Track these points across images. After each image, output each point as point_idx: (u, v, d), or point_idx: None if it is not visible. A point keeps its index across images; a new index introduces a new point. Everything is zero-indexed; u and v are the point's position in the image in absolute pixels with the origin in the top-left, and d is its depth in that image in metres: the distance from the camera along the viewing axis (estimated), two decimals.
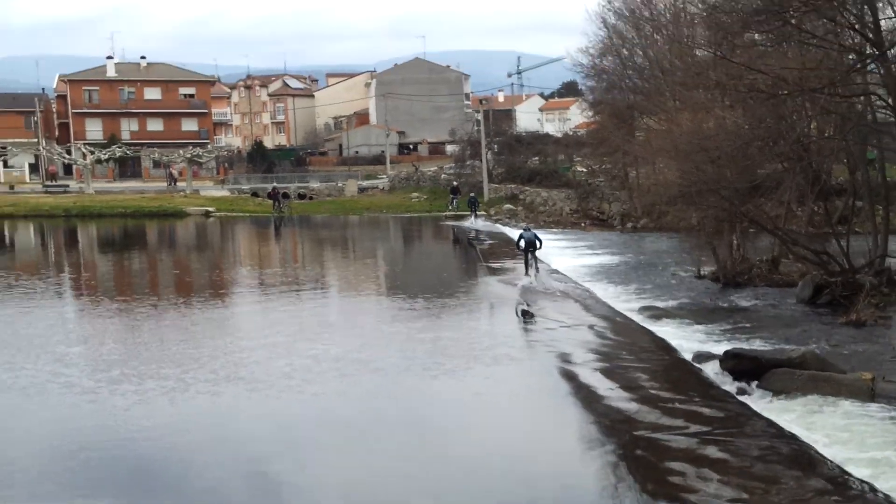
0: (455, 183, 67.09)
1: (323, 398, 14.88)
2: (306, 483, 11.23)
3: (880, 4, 20.74)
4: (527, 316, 22.21)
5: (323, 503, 10.72)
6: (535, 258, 29.86)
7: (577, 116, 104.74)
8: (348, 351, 18.10)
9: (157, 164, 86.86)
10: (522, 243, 29.44)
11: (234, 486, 11.10)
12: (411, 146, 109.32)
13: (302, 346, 18.60)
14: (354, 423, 13.57)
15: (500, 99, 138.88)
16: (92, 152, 77.27)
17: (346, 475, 11.43)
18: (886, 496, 10.23)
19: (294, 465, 11.71)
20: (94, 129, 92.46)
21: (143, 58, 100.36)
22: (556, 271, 31.49)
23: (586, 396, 14.85)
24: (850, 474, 10.89)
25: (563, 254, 38.04)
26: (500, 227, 51.22)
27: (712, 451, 11.79)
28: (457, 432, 13.48)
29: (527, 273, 29.21)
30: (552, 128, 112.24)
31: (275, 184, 70.72)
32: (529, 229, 31.15)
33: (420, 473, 11.61)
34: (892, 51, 20.61)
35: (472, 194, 60.32)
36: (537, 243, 29.40)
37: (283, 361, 17.17)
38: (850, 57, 20.16)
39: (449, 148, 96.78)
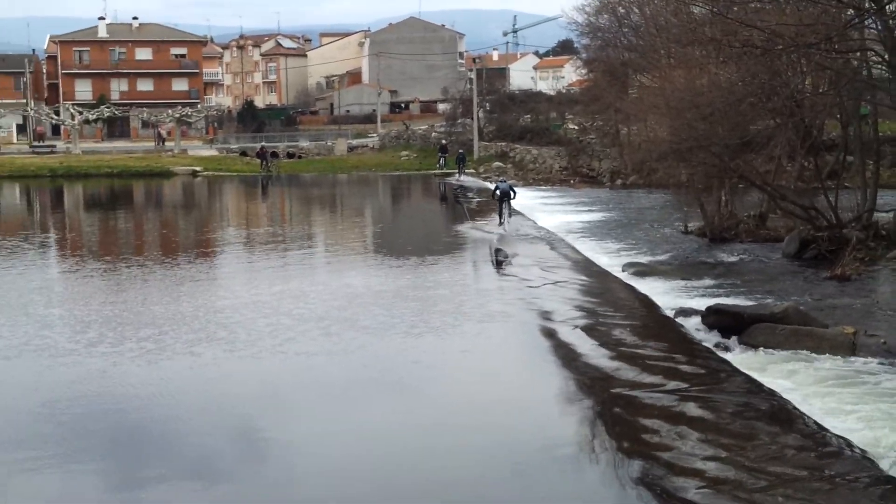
0: (444, 141, 66.70)
1: (307, 357, 14.61)
2: (289, 442, 10.97)
3: None
4: (500, 258, 23.47)
5: (305, 463, 10.45)
6: (510, 207, 31.76)
7: (571, 75, 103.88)
8: (333, 309, 17.83)
9: (145, 125, 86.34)
10: (498, 193, 31.67)
11: (217, 447, 10.81)
12: (403, 105, 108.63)
13: (287, 305, 18.32)
14: (338, 382, 13.33)
15: (495, 58, 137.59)
16: (80, 112, 76.65)
17: (329, 436, 11.19)
18: (863, 451, 10.03)
19: (277, 426, 11.47)
20: (84, 90, 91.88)
21: (134, 18, 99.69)
22: (544, 228, 31.22)
23: (566, 354, 14.60)
24: (827, 430, 10.68)
25: (551, 211, 37.76)
26: (485, 184, 51.07)
27: (690, 408, 11.56)
28: (439, 390, 13.28)
29: (500, 222, 31.15)
30: (546, 86, 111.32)
31: (263, 143, 70.16)
32: (505, 181, 33.76)
33: (402, 430, 11.40)
34: (891, 6, 20.25)
35: (460, 151, 60.07)
36: (511, 193, 31.50)
37: (266, 321, 16.88)
38: (849, 13, 19.75)
39: (441, 106, 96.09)
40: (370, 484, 9.72)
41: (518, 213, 33.64)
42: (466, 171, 57.35)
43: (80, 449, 10.69)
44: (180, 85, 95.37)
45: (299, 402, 12.68)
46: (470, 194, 44.02)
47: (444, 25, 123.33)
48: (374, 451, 10.63)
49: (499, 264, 23.10)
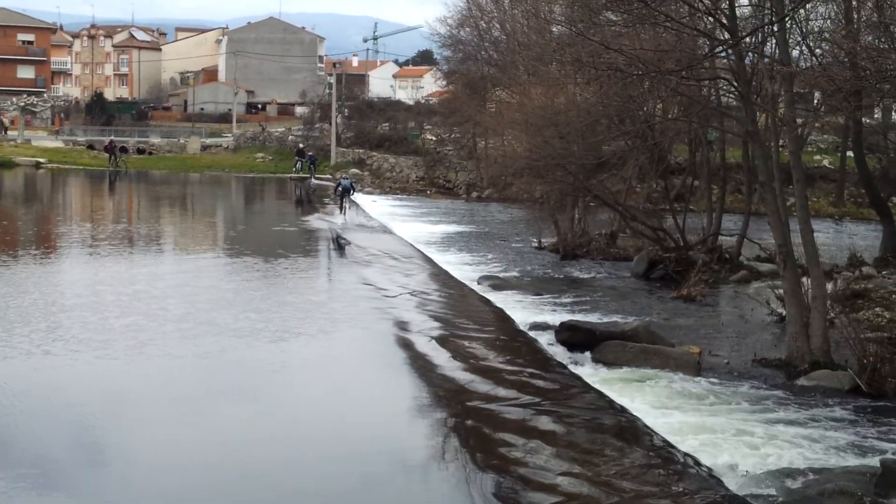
0: (301, 145, 66.04)
1: (150, 360, 14.02)
2: (131, 447, 10.47)
3: None
4: (340, 244, 27.01)
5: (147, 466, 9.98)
6: (351, 201, 37.30)
7: (430, 85, 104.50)
8: (186, 314, 17.23)
9: None
10: (340, 188, 36.77)
11: (57, 452, 10.20)
12: (260, 106, 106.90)
13: (130, 306, 17.61)
14: (183, 387, 12.87)
15: (355, 63, 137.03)
16: None
17: (172, 443, 10.74)
18: (709, 470, 10.28)
19: (120, 431, 10.94)
20: None
21: None
22: (400, 238, 31.18)
23: (422, 366, 14.49)
24: (675, 447, 10.90)
25: (407, 221, 37.77)
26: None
27: (543, 423, 11.62)
28: (288, 399, 12.91)
29: (341, 212, 36.00)
30: (405, 95, 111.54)
31: (112, 137, 67.93)
32: (348, 179, 39.35)
33: (250, 440, 11.01)
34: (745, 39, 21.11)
35: (310, 154, 59.81)
36: (352, 189, 37.48)
37: (120, 322, 16.17)
38: (702, 41, 20.43)
39: (298, 110, 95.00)
40: (213, 493, 9.38)
41: (375, 221, 33.90)
42: (319, 175, 57.14)
43: None
44: (26, 72, 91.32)
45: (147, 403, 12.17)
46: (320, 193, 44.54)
47: (304, 28, 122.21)
48: (221, 460, 10.27)
49: (339, 247, 26.53)
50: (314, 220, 34.85)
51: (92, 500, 9.12)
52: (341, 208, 36.10)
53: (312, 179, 55.30)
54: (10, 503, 8.83)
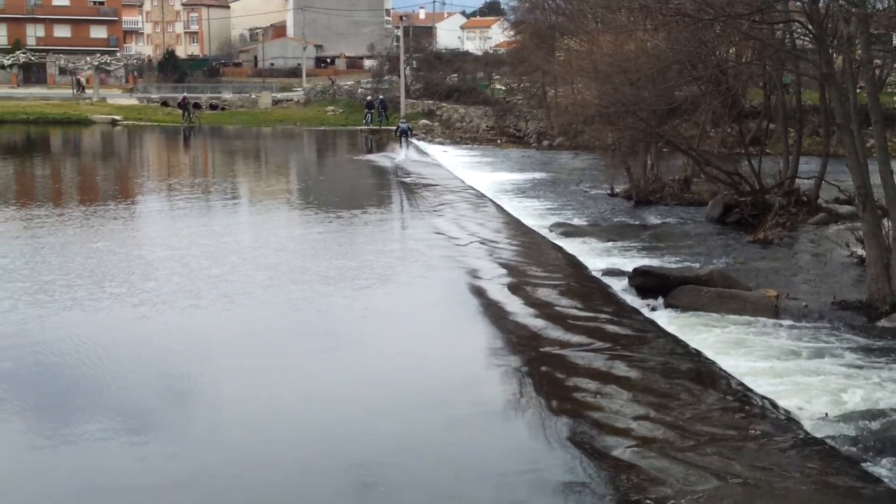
0: (370, 97, 66.07)
1: (235, 311, 14.35)
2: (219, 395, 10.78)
3: None
4: (405, 136, 43.63)
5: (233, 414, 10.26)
6: (409, 141, 45.24)
7: (498, 36, 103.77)
8: (277, 262, 17.58)
9: (63, 72, 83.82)
10: (398, 131, 45.71)
11: (149, 400, 10.54)
12: (329, 60, 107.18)
13: (204, 263, 17.98)
14: (268, 335, 13.15)
15: (422, 16, 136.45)
16: None
17: (260, 389, 11.01)
18: (787, 412, 10.19)
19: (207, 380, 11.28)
20: None
21: None
22: (471, 187, 31.19)
23: (495, 313, 14.56)
24: (752, 391, 10.82)
25: (478, 169, 37.73)
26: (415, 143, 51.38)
27: (617, 368, 11.61)
28: (368, 345, 13.10)
29: (402, 148, 43.69)
30: (473, 46, 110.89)
31: (185, 93, 68.77)
32: (405, 122, 48.16)
33: (333, 383, 11.26)
34: None
35: (381, 97, 58.64)
36: (409, 132, 46.30)
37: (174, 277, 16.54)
38: None
39: (367, 63, 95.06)
40: (302, 433, 9.61)
41: (446, 171, 33.93)
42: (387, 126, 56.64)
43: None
44: (99, 32, 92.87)
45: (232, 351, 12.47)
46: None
47: None
48: (305, 403, 10.50)
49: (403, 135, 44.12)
50: (381, 158, 41.79)
51: (187, 439, 9.43)
52: (400, 145, 44.14)
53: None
54: (107, 447, 9.15)
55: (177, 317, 13.84)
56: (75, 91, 74.61)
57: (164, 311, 14.03)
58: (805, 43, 24.10)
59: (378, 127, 58.68)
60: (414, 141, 48.39)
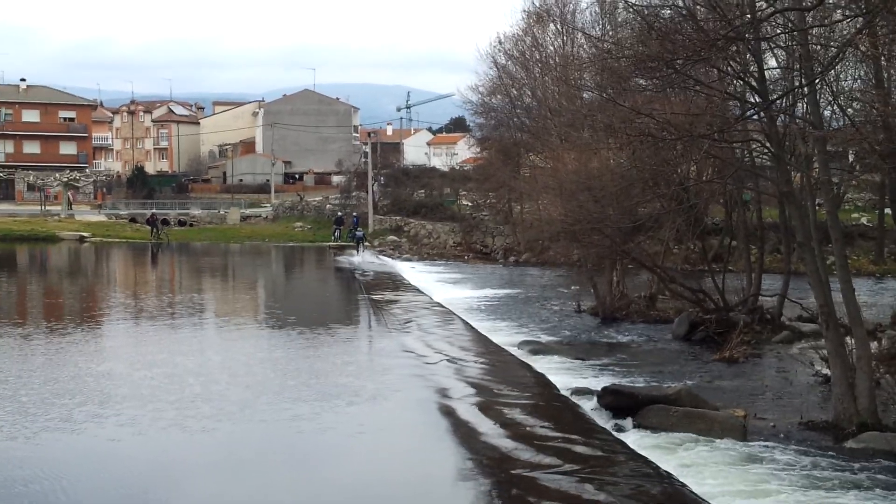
0: (339, 213, 66.67)
1: (203, 434, 14.21)
2: None
3: (765, 55, 21.29)
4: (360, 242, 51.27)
5: None
6: (364, 245, 55.17)
7: (464, 151, 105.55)
8: (226, 386, 17.43)
9: (31, 188, 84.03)
10: (354, 238, 55.25)
11: None
12: (297, 176, 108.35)
13: (187, 379, 17.84)
14: (234, 456, 13.02)
15: (389, 132, 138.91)
16: None
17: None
18: None
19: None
20: None
21: (22, 80, 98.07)
22: (439, 304, 31.30)
23: (464, 433, 14.53)
24: None
25: (445, 286, 37.89)
26: (383, 259, 51.68)
27: (587, 491, 11.58)
28: (334, 467, 13.00)
29: (357, 253, 51.86)
30: (439, 162, 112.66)
31: (154, 210, 69.12)
32: (360, 231, 58.29)
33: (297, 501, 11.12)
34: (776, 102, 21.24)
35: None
36: (363, 238, 56.30)
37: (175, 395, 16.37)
38: (733, 104, 20.62)
39: (335, 178, 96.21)
40: None
41: (414, 288, 33.97)
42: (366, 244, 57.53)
43: None
44: (68, 148, 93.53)
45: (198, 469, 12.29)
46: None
47: (338, 98, 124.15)
48: None
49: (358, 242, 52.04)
50: (346, 275, 43.09)
51: None
52: (357, 251, 53.20)
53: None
54: None
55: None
56: (43, 207, 74.75)
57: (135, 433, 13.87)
58: (764, 161, 24.77)
59: (346, 243, 59.00)
60: (367, 244, 57.77)
